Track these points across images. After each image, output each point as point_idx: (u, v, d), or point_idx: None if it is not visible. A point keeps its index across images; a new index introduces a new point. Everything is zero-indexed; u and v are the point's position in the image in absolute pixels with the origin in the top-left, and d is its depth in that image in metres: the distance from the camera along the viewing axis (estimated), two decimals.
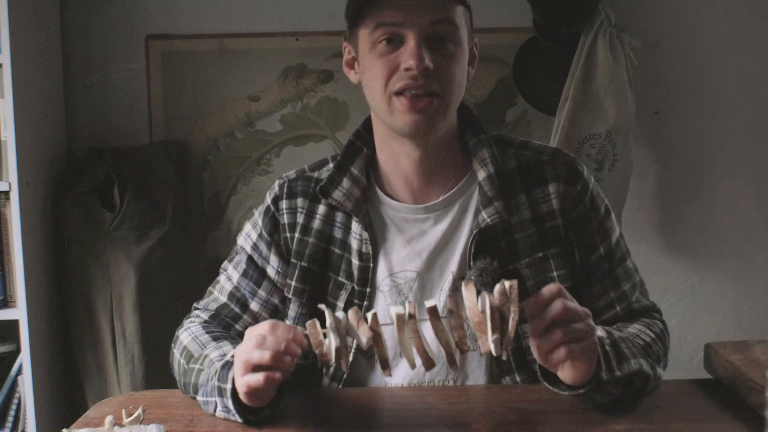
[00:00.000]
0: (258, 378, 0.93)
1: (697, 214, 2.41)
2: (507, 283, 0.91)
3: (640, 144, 2.34)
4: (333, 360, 0.92)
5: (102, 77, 2.37)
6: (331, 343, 0.92)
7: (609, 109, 2.15)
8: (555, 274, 1.14)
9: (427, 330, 0.94)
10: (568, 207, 1.15)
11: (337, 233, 1.18)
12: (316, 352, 0.93)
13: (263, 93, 2.38)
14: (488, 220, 1.12)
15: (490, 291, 0.98)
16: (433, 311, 0.92)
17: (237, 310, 1.22)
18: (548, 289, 0.94)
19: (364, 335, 0.92)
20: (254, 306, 1.22)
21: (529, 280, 1.13)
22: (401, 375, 1.17)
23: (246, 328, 1.20)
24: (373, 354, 1.17)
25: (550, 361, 0.94)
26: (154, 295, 2.16)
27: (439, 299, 1.15)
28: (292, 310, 1.19)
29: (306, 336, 0.94)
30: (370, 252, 1.15)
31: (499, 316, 0.90)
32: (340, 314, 0.94)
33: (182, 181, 2.34)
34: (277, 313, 1.22)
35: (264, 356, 0.92)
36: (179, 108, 2.38)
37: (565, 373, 0.96)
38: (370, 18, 1.09)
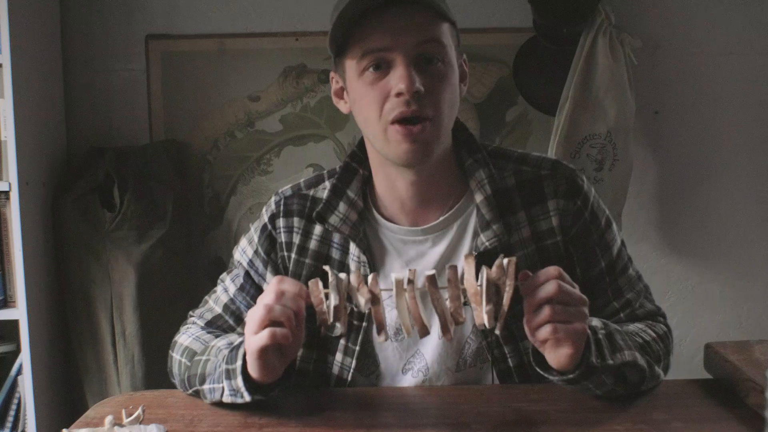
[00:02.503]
0: (263, 336, 0.94)
1: (697, 214, 2.41)
2: (505, 260, 0.92)
3: (640, 144, 2.34)
4: (331, 319, 0.94)
5: (102, 77, 2.37)
6: (331, 302, 0.94)
7: (609, 109, 2.15)
8: None
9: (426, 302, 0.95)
10: (567, 223, 1.14)
11: (335, 254, 1.17)
12: (316, 309, 0.95)
13: (263, 93, 2.38)
14: (487, 244, 1.11)
15: None
16: (431, 279, 0.93)
17: (231, 322, 1.21)
18: (546, 270, 0.94)
19: (363, 296, 0.94)
20: None
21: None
22: (407, 383, 1.17)
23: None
24: (371, 373, 1.17)
25: (536, 337, 0.95)
26: (154, 295, 2.16)
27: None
28: None
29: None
30: (369, 274, 1.15)
31: (494, 290, 0.92)
32: (342, 275, 0.96)
33: (182, 181, 2.34)
34: None
35: (285, 312, 0.94)
36: (179, 108, 2.38)
37: (550, 355, 0.96)
38: (356, 46, 1.06)
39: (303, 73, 2.36)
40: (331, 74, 1.17)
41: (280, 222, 1.20)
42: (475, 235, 1.13)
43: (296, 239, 1.18)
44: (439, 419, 1.04)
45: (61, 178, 2.24)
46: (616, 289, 1.16)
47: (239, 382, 0.99)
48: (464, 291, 0.94)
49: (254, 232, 1.23)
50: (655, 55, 2.35)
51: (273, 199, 1.23)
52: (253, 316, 0.96)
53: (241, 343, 1.01)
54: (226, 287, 1.23)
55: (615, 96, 2.15)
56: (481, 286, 0.92)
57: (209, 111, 2.38)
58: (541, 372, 1.01)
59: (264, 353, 0.95)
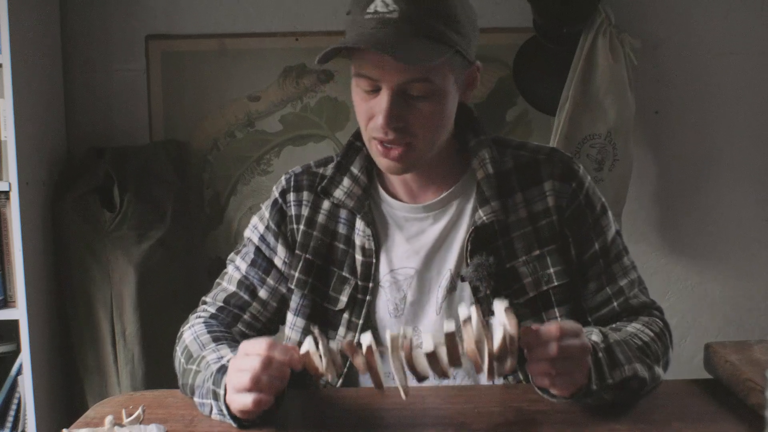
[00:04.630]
0: (245, 400, 0.94)
1: (697, 214, 2.41)
2: (509, 332, 0.90)
3: (640, 144, 2.34)
4: (327, 376, 0.94)
5: (102, 77, 2.37)
6: (327, 371, 0.93)
7: (609, 109, 2.15)
8: (552, 270, 1.15)
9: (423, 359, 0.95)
10: (563, 204, 1.16)
11: (342, 229, 1.21)
12: (312, 373, 0.95)
13: (263, 93, 2.38)
14: (485, 218, 1.14)
15: (487, 286, 1.04)
16: (431, 355, 0.91)
17: (246, 297, 1.23)
18: (547, 330, 0.94)
19: (358, 366, 0.93)
20: (263, 294, 1.23)
21: (527, 277, 1.15)
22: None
23: (255, 317, 1.22)
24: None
25: (535, 381, 0.98)
26: (154, 295, 2.16)
27: (437, 297, 1.17)
28: (294, 301, 1.21)
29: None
30: (373, 248, 1.18)
31: (496, 361, 0.91)
32: (333, 345, 0.94)
33: (182, 181, 2.34)
34: (284, 302, 1.23)
35: (272, 384, 0.93)
36: (179, 108, 2.38)
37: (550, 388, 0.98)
38: (354, 63, 1.09)
39: (303, 73, 2.36)
40: None
41: (291, 196, 1.23)
42: (474, 212, 1.16)
43: (305, 212, 1.22)
44: (439, 419, 1.03)
45: (61, 178, 2.24)
46: (610, 274, 1.18)
47: (224, 408, 0.99)
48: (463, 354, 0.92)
49: (265, 209, 1.26)
50: (655, 55, 2.35)
51: (283, 177, 1.27)
52: (239, 377, 0.95)
53: (228, 367, 1.00)
54: (238, 266, 1.25)
55: (615, 96, 2.15)
56: (480, 341, 0.90)
57: (209, 111, 2.38)
58: (540, 393, 1.02)
59: (245, 412, 0.96)
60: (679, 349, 2.33)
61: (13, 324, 2.05)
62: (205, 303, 1.26)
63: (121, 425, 0.93)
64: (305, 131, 2.39)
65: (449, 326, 0.92)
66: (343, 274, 1.19)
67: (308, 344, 0.95)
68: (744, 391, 1.02)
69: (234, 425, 1.00)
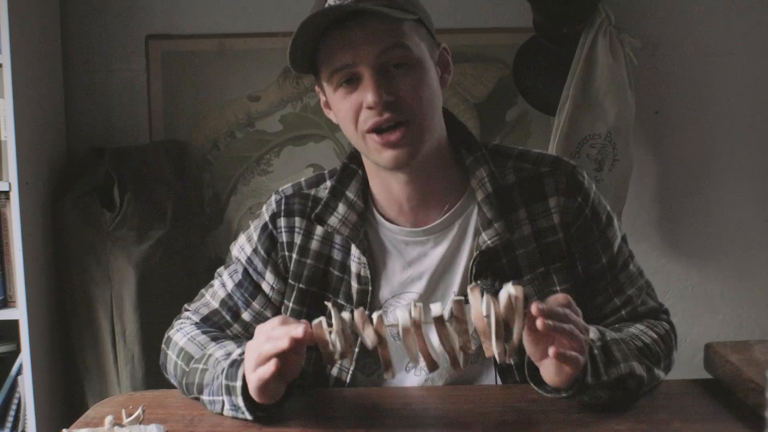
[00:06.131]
0: (268, 368, 0.92)
1: (698, 214, 2.41)
2: (513, 294, 0.89)
3: (640, 144, 2.34)
4: (338, 358, 0.93)
5: (102, 77, 2.37)
6: (336, 344, 0.92)
7: (609, 109, 2.15)
8: (558, 288, 1.13)
9: (433, 333, 0.94)
10: (569, 220, 1.14)
11: (336, 255, 1.17)
12: (322, 351, 0.93)
13: (263, 93, 2.38)
14: (489, 242, 1.10)
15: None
16: (439, 320, 0.91)
17: (228, 318, 1.21)
18: (555, 299, 0.94)
19: (368, 338, 0.92)
20: (246, 316, 1.20)
21: (533, 297, 1.12)
22: (410, 381, 1.18)
23: (236, 336, 1.20)
24: (372, 372, 1.18)
25: (536, 352, 0.94)
26: (154, 295, 2.16)
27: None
28: None
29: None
30: (369, 276, 1.14)
31: (504, 327, 0.89)
32: (345, 315, 0.94)
33: (182, 181, 2.34)
34: None
35: (275, 345, 0.92)
36: (179, 108, 2.38)
37: (546, 371, 0.96)
38: (323, 67, 1.07)
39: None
40: (316, 88, 1.16)
41: (282, 221, 1.19)
42: (477, 233, 1.13)
43: (298, 239, 1.18)
44: (439, 419, 1.04)
45: (61, 178, 2.24)
46: (617, 285, 1.16)
47: (240, 401, 0.99)
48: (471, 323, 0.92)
49: (254, 230, 1.22)
50: (655, 55, 2.35)
51: (273, 197, 1.22)
52: (248, 353, 0.96)
53: (241, 361, 1.00)
54: (224, 282, 1.22)
55: (615, 96, 2.15)
56: (488, 317, 0.89)
57: (209, 111, 2.38)
58: (535, 387, 1.01)
59: (266, 385, 0.95)
60: (679, 349, 2.32)
61: (13, 324, 2.05)
62: (187, 311, 1.25)
63: (121, 425, 0.93)
64: (305, 131, 2.39)
65: (457, 298, 0.92)
66: (339, 301, 1.16)
67: (319, 320, 0.94)
68: (744, 391, 1.02)
69: (249, 418, 1.00)
